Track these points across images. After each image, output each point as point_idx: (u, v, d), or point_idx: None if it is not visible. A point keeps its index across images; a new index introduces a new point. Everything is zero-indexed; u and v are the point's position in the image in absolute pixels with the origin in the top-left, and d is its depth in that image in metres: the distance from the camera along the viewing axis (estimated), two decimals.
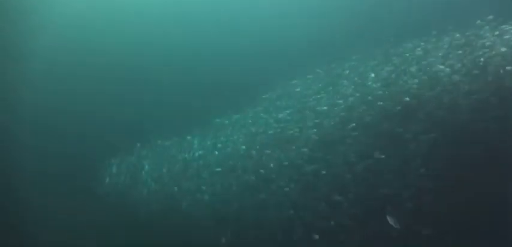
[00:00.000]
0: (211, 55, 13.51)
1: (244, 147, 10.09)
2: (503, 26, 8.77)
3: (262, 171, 9.25)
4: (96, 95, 12.94)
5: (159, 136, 11.57)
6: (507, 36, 8.54)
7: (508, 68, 8.07)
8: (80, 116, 12.50)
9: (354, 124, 8.79)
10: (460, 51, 8.97)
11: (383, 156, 7.99)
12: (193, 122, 11.57)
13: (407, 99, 8.63)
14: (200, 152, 10.70)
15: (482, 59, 8.37)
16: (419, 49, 9.71)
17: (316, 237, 7.87)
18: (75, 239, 9.68)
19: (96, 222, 9.96)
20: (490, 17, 9.03)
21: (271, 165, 9.23)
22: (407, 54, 9.74)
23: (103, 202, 10.58)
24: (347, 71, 10.51)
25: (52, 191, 10.74)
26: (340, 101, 9.57)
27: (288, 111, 10.44)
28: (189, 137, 11.34)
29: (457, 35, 9.40)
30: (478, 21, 9.30)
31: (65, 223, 10.05)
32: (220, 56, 13.36)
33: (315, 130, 9.29)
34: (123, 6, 14.04)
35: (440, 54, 9.29)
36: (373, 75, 9.63)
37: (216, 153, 10.51)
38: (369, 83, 9.49)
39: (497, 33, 8.70)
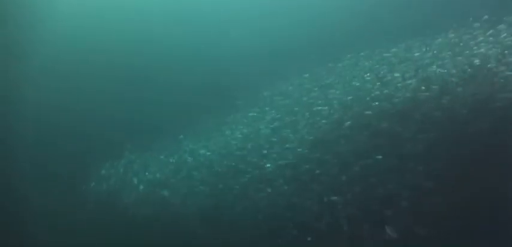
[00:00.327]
0: (208, 55, 13.49)
1: (238, 147, 9.97)
2: (499, 26, 8.84)
3: (256, 171, 9.12)
4: (93, 93, 12.78)
5: (152, 136, 11.40)
6: (503, 35, 8.60)
7: (502, 68, 8.10)
8: (75, 115, 12.29)
9: (349, 122, 8.73)
10: (455, 51, 9.00)
11: (380, 156, 7.93)
12: (188, 122, 11.46)
13: (403, 99, 8.59)
14: (193, 152, 10.53)
15: (477, 59, 8.39)
16: (413, 49, 9.73)
17: (309, 239, 7.77)
18: (74, 239, 9.49)
19: (90, 222, 9.76)
20: (485, 16, 9.09)
21: (267, 164, 9.12)
22: (403, 54, 9.75)
23: (99, 202, 10.34)
24: (342, 71, 10.50)
25: (48, 190, 10.51)
26: (335, 101, 9.52)
27: (283, 111, 10.37)
28: (181, 136, 11.17)
29: (452, 35, 9.44)
30: (470, 19, 9.36)
31: (62, 223, 9.82)
32: (216, 56, 13.37)
33: (310, 129, 9.21)
34: (123, 4, 13.92)
35: (434, 54, 9.31)
36: (368, 74, 9.61)
37: (208, 153, 10.32)
38: (365, 83, 9.47)
39: (492, 32, 8.75)
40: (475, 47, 8.66)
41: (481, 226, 6.85)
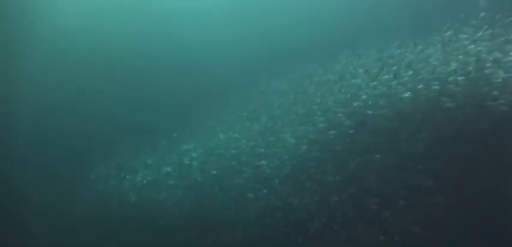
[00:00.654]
0: (204, 55, 13.55)
1: (234, 146, 9.97)
2: (495, 24, 8.78)
3: (253, 170, 9.11)
4: (89, 93, 12.87)
5: (148, 136, 11.49)
6: (499, 33, 8.55)
7: (498, 67, 8.03)
8: (70, 114, 12.36)
9: (346, 121, 8.70)
10: (451, 49, 8.94)
11: (378, 155, 7.90)
12: (185, 122, 11.55)
13: (400, 98, 8.55)
14: (188, 152, 10.53)
15: (474, 57, 8.33)
16: (410, 47, 9.67)
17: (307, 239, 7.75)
18: (73, 239, 9.56)
19: (88, 221, 9.82)
20: (482, 14, 9.04)
21: (263, 164, 9.10)
22: (399, 53, 9.70)
23: (95, 202, 10.39)
24: (338, 69, 10.51)
25: (45, 190, 10.60)
26: (331, 99, 9.50)
27: (279, 109, 10.39)
28: (175, 134, 11.21)
29: (448, 33, 9.37)
30: (466, 17, 9.29)
31: (61, 223, 9.91)
32: (212, 56, 13.44)
33: (307, 128, 9.20)
34: (122, 5, 14.05)
35: (431, 52, 9.25)
36: (365, 73, 9.57)
37: (204, 153, 10.34)
38: (361, 81, 9.42)
39: (488, 30, 8.69)
40: (472, 45, 8.59)
41: (479, 226, 6.81)
